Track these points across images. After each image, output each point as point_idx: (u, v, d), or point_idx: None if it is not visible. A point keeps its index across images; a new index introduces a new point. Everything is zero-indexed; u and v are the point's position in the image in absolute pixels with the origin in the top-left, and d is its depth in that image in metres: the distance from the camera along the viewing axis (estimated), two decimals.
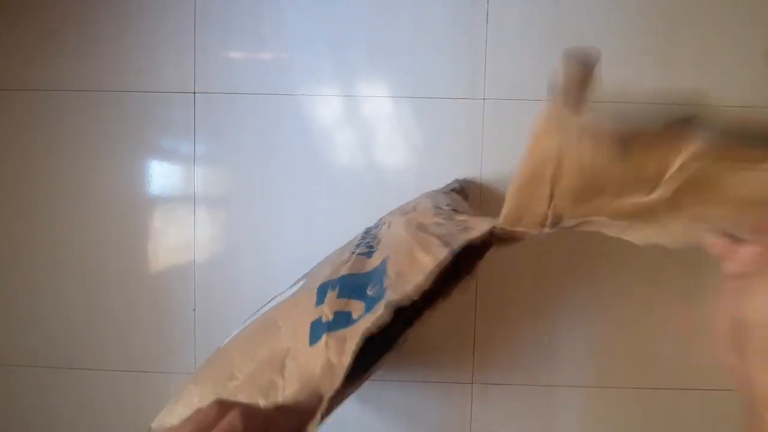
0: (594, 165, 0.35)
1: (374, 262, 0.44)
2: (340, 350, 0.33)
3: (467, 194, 0.68)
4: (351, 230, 0.72)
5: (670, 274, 0.71)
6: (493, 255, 0.72)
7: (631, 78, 0.70)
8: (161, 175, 0.73)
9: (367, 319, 0.34)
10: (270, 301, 0.54)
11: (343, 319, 0.36)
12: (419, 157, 0.71)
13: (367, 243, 0.51)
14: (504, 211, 0.39)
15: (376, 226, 0.58)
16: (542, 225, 0.38)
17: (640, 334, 0.72)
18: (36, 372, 0.75)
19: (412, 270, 0.36)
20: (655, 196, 0.35)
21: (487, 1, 0.69)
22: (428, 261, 0.36)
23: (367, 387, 0.73)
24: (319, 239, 0.72)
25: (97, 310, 0.74)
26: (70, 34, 0.72)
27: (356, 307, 0.37)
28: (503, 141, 0.70)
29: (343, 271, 0.44)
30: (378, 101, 0.71)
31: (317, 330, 0.36)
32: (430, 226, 0.43)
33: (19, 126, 0.73)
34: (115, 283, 0.74)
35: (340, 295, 0.39)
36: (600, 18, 0.69)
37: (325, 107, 0.72)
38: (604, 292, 0.72)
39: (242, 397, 0.35)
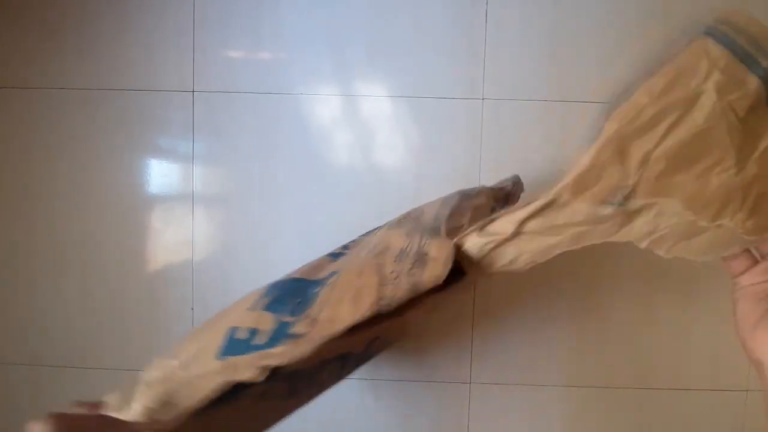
0: (724, 119, 0.31)
1: (327, 270, 0.43)
2: (199, 387, 0.34)
3: (510, 199, 0.59)
4: (349, 230, 0.72)
5: (668, 274, 0.71)
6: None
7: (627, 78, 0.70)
8: (160, 174, 0.73)
9: (252, 360, 0.34)
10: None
11: (244, 342, 0.36)
12: (418, 157, 0.72)
13: (348, 243, 0.50)
14: (577, 170, 0.33)
15: (383, 225, 0.55)
16: (611, 197, 0.33)
17: (638, 334, 0.72)
18: (34, 370, 0.75)
19: (330, 322, 0.35)
20: (741, 176, 0.31)
21: (487, 2, 0.69)
22: (347, 315, 0.35)
23: (364, 386, 0.74)
24: (317, 239, 0.72)
25: (96, 308, 0.74)
26: (69, 32, 0.72)
27: (264, 326, 0.36)
28: (502, 141, 0.71)
29: (297, 273, 0.43)
30: (377, 101, 0.71)
31: (227, 345, 0.36)
32: (389, 255, 0.40)
33: (18, 124, 0.73)
34: (113, 282, 0.74)
35: (267, 306, 0.39)
36: (599, 19, 0.69)
37: (324, 107, 0.72)
38: (603, 291, 0.72)
39: (156, 386, 0.36)
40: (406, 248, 0.39)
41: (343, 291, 0.37)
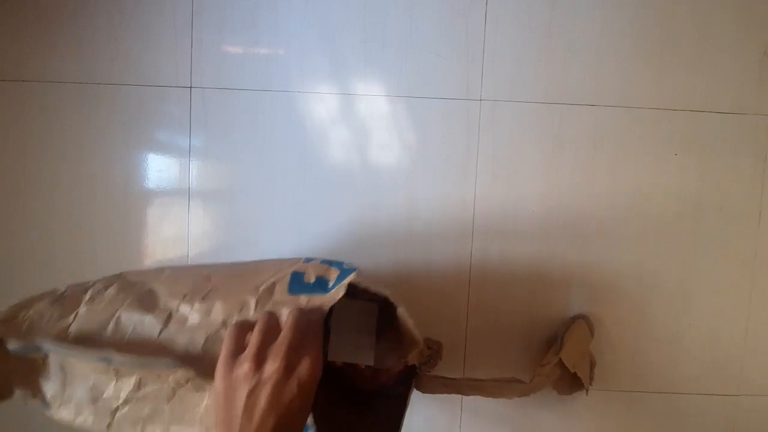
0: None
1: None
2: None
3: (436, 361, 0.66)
4: (343, 228, 0.72)
5: (661, 278, 0.71)
6: (488, 251, 0.72)
7: (624, 82, 0.70)
8: (156, 169, 0.73)
9: (336, 292, 0.41)
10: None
11: (321, 286, 0.42)
12: (414, 156, 0.71)
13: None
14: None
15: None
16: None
17: (630, 338, 0.72)
18: None
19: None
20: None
21: (486, 3, 0.69)
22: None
23: None
24: (311, 236, 0.72)
25: None
26: (66, 25, 0.71)
27: (332, 275, 0.44)
28: (499, 142, 0.71)
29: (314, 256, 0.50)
30: (374, 100, 0.71)
31: (298, 285, 0.43)
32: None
33: (14, 118, 0.73)
34: None
35: (323, 262, 0.46)
36: (596, 21, 0.69)
37: (321, 105, 0.71)
38: (597, 294, 0.72)
39: (220, 302, 0.42)
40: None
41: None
